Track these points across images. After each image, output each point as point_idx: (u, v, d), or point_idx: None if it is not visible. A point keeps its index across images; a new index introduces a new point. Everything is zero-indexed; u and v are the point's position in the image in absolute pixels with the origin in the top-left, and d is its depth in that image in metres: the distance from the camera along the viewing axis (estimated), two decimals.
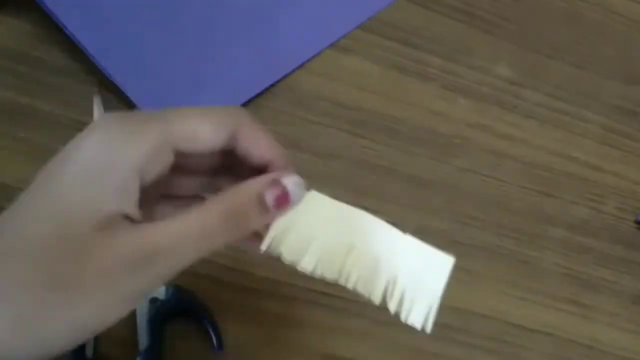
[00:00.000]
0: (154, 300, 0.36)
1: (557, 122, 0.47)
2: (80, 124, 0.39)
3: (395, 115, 0.44)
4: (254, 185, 0.27)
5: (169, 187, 0.30)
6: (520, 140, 0.46)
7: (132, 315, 0.35)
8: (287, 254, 0.29)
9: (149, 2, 0.43)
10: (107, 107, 0.40)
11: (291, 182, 0.28)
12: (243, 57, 0.43)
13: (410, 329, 0.39)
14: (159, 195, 0.29)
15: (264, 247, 0.28)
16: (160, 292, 0.36)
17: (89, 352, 0.34)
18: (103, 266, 0.24)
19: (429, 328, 0.29)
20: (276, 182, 0.28)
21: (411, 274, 0.30)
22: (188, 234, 0.26)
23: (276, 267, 0.39)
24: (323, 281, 0.39)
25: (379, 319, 0.39)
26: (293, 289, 0.38)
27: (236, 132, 0.28)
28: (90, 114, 0.40)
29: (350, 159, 0.42)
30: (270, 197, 0.27)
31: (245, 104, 0.42)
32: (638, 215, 0.45)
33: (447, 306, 0.40)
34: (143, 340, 0.35)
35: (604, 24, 0.50)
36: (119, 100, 0.40)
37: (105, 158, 0.25)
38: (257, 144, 0.28)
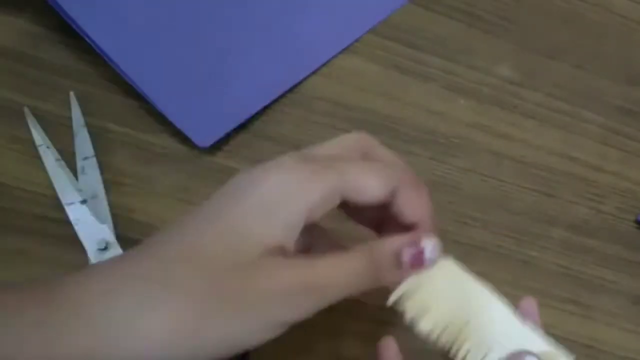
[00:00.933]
0: None
1: (557, 122, 0.47)
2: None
3: (395, 115, 0.44)
4: (396, 241, 0.30)
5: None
6: (520, 140, 0.46)
7: None
8: (411, 311, 0.31)
9: (168, 7, 0.43)
10: (128, 111, 0.40)
11: (429, 245, 0.30)
12: (260, 64, 0.43)
13: (410, 329, 0.39)
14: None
15: (391, 300, 0.30)
16: None
17: None
18: (264, 291, 0.26)
19: None
20: (415, 243, 0.30)
21: None
22: (343, 273, 0.28)
23: None
24: None
25: (383, 319, 0.39)
26: None
27: (397, 189, 0.30)
28: (90, 114, 0.40)
29: None
30: (407, 256, 0.29)
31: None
32: (638, 215, 0.45)
33: None
34: None
35: (604, 24, 0.50)
36: (140, 102, 0.40)
37: (282, 196, 0.27)
38: (412, 204, 0.31)
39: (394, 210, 0.31)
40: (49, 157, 0.38)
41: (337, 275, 0.28)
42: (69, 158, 0.38)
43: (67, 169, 0.38)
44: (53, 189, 0.37)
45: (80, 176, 0.38)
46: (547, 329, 0.41)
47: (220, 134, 0.41)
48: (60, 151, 0.38)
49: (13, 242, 0.36)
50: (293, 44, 0.44)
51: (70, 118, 0.39)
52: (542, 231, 0.44)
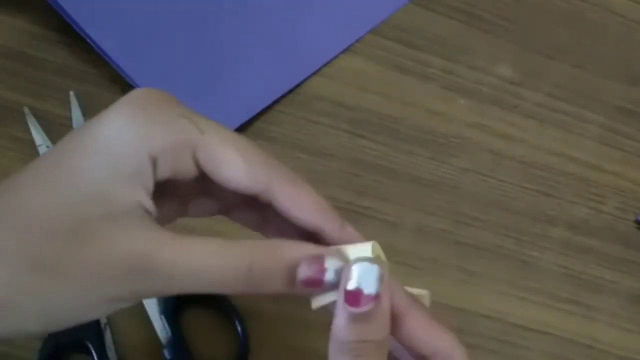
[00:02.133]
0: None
1: (557, 122, 0.47)
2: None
3: (395, 115, 0.44)
4: (292, 252, 0.24)
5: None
6: (520, 140, 0.46)
7: (146, 315, 0.35)
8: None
9: (168, 7, 0.43)
10: None
11: (332, 267, 0.24)
12: (261, 65, 0.43)
13: None
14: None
15: (314, 306, 0.25)
16: None
17: (112, 357, 0.34)
18: (92, 261, 0.22)
19: None
20: (317, 261, 0.24)
21: None
22: (204, 269, 0.23)
23: None
24: None
25: None
26: None
27: (272, 184, 0.25)
28: (90, 114, 0.40)
29: (350, 159, 0.42)
30: (302, 274, 0.24)
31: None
32: (638, 215, 0.45)
33: (447, 306, 0.40)
34: (163, 333, 0.35)
35: (604, 24, 0.50)
36: None
37: (121, 142, 0.23)
38: (298, 201, 0.25)
39: (278, 210, 0.25)
40: None
41: (199, 267, 0.23)
42: None
43: None
44: None
45: None
46: (547, 329, 0.41)
47: None
48: None
49: None
50: (294, 45, 0.44)
51: (70, 118, 0.39)
52: (542, 231, 0.43)
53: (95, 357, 0.34)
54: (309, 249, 0.24)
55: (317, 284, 0.24)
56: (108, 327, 0.35)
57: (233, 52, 0.43)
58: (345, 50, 0.45)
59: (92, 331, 0.34)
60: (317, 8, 0.45)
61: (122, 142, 0.23)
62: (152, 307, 0.35)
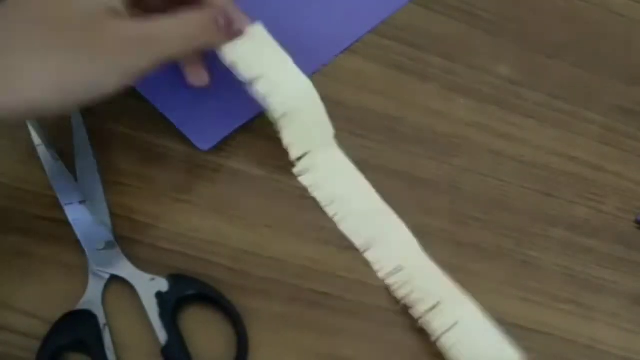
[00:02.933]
0: (159, 295, 0.35)
1: (557, 122, 0.47)
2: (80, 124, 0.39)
3: (395, 115, 0.44)
4: (212, 11, 0.36)
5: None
6: (520, 140, 0.46)
7: (145, 316, 0.35)
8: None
9: None
10: (128, 111, 0.40)
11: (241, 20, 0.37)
12: None
13: (410, 329, 0.39)
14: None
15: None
16: (163, 285, 0.36)
17: (111, 358, 0.34)
18: (112, 41, 0.31)
19: None
20: (225, 13, 0.36)
21: None
22: (176, 29, 0.34)
23: (276, 268, 0.39)
24: (323, 281, 0.39)
25: (379, 319, 0.39)
26: (293, 289, 0.38)
27: None
28: (90, 114, 0.40)
29: (350, 159, 0.42)
30: (221, 20, 0.36)
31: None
32: (638, 215, 0.45)
33: None
34: (161, 336, 0.35)
35: (604, 24, 0.50)
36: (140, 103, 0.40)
37: None
38: None
39: None
40: (48, 157, 0.38)
41: (173, 29, 0.34)
42: (68, 158, 0.38)
43: (66, 169, 0.38)
44: (52, 189, 0.37)
45: (79, 176, 0.38)
46: (547, 330, 0.41)
47: (221, 136, 0.41)
48: (59, 151, 0.38)
49: (12, 242, 0.36)
50: (294, 45, 0.44)
51: (69, 118, 0.39)
52: (542, 231, 0.43)
53: (95, 358, 0.34)
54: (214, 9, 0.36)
55: (229, 27, 0.36)
56: (107, 328, 0.35)
57: None
58: (345, 50, 0.45)
59: (91, 331, 0.34)
60: (317, 8, 0.45)
61: None
62: (151, 307, 0.35)
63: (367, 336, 0.39)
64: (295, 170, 0.40)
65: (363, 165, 0.42)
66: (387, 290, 0.40)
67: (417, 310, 0.38)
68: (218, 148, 0.41)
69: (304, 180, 0.40)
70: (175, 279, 0.36)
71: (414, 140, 0.44)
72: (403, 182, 0.42)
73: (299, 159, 0.40)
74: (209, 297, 0.36)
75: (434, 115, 0.45)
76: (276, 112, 0.38)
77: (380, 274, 0.39)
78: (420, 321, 0.38)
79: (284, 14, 0.45)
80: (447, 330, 0.36)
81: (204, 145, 0.41)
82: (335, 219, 0.40)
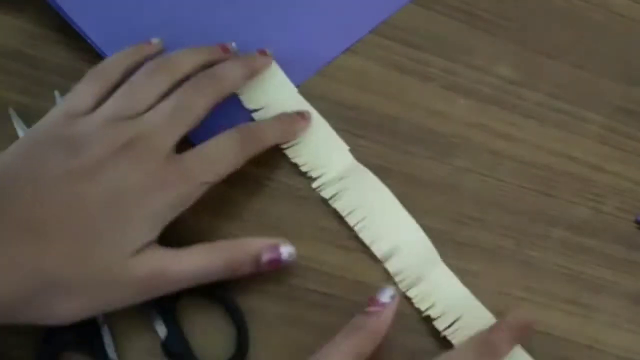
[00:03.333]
0: None
1: (557, 122, 0.47)
2: None
3: (395, 115, 0.44)
4: (255, 244, 0.35)
5: None
6: (520, 140, 0.46)
7: (143, 313, 0.35)
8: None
9: (168, 10, 0.43)
10: None
11: (286, 251, 0.36)
12: None
13: (410, 329, 0.39)
14: None
15: None
16: None
17: (112, 355, 0.34)
18: (125, 278, 0.32)
19: None
20: (274, 248, 0.35)
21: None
22: (198, 270, 0.34)
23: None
24: (323, 281, 0.39)
25: None
26: (293, 289, 0.38)
27: None
28: None
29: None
30: (265, 258, 0.35)
31: None
32: (638, 215, 0.45)
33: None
34: (161, 330, 0.35)
35: (604, 24, 0.50)
36: None
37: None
38: None
39: None
40: None
41: (189, 269, 0.33)
42: None
43: None
44: None
45: None
46: (547, 330, 0.41)
47: None
48: None
49: None
50: (294, 46, 0.44)
51: None
52: (542, 231, 0.43)
53: (95, 355, 0.34)
54: (269, 240, 0.36)
55: (277, 263, 0.36)
56: (106, 325, 0.35)
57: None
58: (345, 50, 0.45)
59: (90, 330, 0.34)
60: (318, 9, 0.45)
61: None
62: (149, 301, 0.35)
63: None
64: (314, 184, 0.41)
65: (362, 165, 0.42)
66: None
67: (440, 324, 0.38)
68: None
69: (325, 194, 0.40)
70: None
71: (414, 140, 0.44)
72: (403, 182, 0.42)
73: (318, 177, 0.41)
74: (208, 291, 0.36)
75: (434, 115, 0.45)
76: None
77: (401, 286, 0.39)
78: (443, 334, 0.38)
79: (285, 15, 0.45)
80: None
81: None
82: (356, 228, 0.40)
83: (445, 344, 0.38)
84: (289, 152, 0.41)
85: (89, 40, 0.40)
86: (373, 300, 0.35)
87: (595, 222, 0.45)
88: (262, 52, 0.42)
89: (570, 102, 0.47)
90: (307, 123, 0.41)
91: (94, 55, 0.40)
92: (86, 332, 0.34)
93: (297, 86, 0.43)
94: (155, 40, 0.39)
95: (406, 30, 0.46)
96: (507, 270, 0.42)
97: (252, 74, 0.40)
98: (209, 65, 0.38)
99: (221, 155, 0.35)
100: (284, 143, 0.40)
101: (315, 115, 0.42)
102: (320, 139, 0.41)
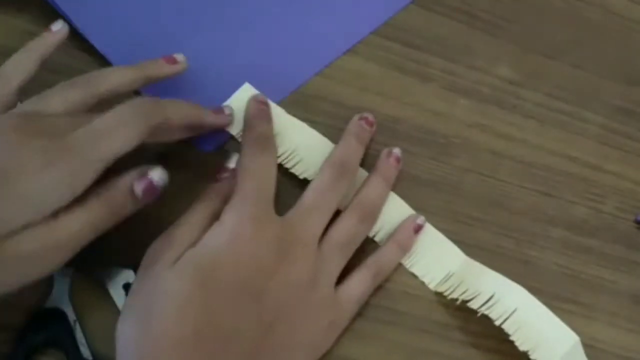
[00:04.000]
0: (127, 286, 0.35)
1: (557, 122, 0.47)
2: None
3: (395, 115, 0.44)
4: (125, 179, 0.33)
5: None
6: (520, 140, 0.46)
7: (116, 309, 0.35)
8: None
9: (169, 10, 0.43)
10: None
11: (156, 175, 0.34)
12: (263, 67, 0.43)
13: (410, 329, 0.39)
14: None
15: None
16: (130, 276, 0.36)
17: (85, 354, 0.34)
18: (13, 259, 0.30)
19: None
20: (143, 177, 0.33)
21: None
22: (80, 228, 0.31)
23: None
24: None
25: (380, 318, 0.39)
26: None
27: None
28: None
29: None
30: (139, 189, 0.33)
31: None
32: (638, 215, 0.45)
33: (447, 305, 0.40)
34: None
35: (604, 24, 0.50)
36: None
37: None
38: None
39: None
40: None
41: (77, 228, 0.31)
42: None
43: None
44: None
45: None
46: None
47: (224, 138, 0.41)
48: None
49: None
50: (296, 47, 0.44)
51: None
52: (542, 231, 0.44)
53: (69, 355, 0.34)
54: (136, 170, 0.33)
55: (153, 191, 0.34)
56: (78, 324, 0.34)
57: (235, 54, 0.43)
58: (346, 51, 0.45)
59: (62, 329, 0.34)
60: (319, 10, 0.45)
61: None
62: (120, 299, 0.35)
63: (368, 335, 0.39)
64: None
65: (363, 165, 0.42)
66: (386, 290, 0.40)
67: (476, 304, 0.38)
68: (219, 148, 0.41)
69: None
70: None
71: (414, 140, 0.44)
72: (403, 182, 0.42)
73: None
74: None
75: (434, 115, 0.45)
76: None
77: (431, 285, 0.40)
78: (480, 311, 0.38)
79: (286, 16, 0.45)
80: (508, 317, 0.37)
81: (207, 146, 0.41)
82: (376, 238, 0.40)
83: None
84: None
85: (89, 41, 0.40)
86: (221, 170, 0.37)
87: (595, 222, 0.45)
88: (170, 60, 0.39)
89: (569, 102, 0.47)
90: (176, 67, 0.39)
91: (94, 56, 0.40)
92: (58, 333, 0.34)
93: (298, 87, 0.43)
94: (57, 26, 0.38)
95: (406, 31, 0.46)
96: (507, 270, 0.42)
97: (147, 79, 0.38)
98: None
99: (113, 128, 0.32)
100: (189, 116, 0.37)
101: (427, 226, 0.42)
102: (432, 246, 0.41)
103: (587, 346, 0.41)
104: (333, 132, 0.43)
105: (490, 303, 0.38)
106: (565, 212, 0.44)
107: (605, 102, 0.48)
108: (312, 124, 0.42)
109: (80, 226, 0.31)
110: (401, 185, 0.42)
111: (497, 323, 0.37)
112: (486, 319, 0.38)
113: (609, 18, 0.50)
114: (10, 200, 0.30)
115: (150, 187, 0.33)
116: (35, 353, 0.34)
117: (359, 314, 0.39)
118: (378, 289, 0.40)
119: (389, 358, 0.39)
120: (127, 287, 0.35)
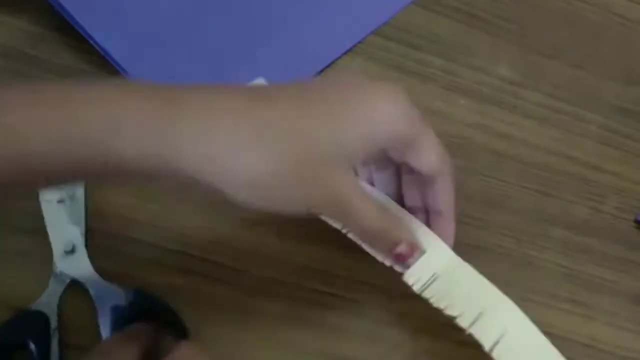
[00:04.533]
0: (115, 308, 0.34)
1: (557, 122, 0.47)
2: None
3: None
4: (403, 233, 0.34)
5: None
6: (520, 140, 0.46)
7: (97, 328, 0.35)
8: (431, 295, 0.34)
9: (170, 8, 0.43)
10: None
11: (416, 257, 0.34)
12: (264, 67, 0.43)
13: (410, 329, 0.39)
14: None
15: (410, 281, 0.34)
16: (121, 299, 0.35)
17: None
18: (322, 186, 0.30)
19: None
20: (414, 247, 0.34)
21: None
22: (364, 219, 0.32)
23: (276, 267, 0.39)
24: (323, 281, 0.39)
25: (380, 319, 0.39)
26: (293, 289, 0.38)
27: (439, 175, 0.35)
28: None
29: None
30: (399, 250, 0.33)
31: None
32: (638, 215, 0.45)
33: None
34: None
35: (604, 24, 0.50)
36: None
37: (381, 128, 0.32)
38: (445, 194, 0.36)
39: (427, 191, 0.35)
40: None
41: (361, 216, 0.32)
42: None
43: None
44: None
45: None
46: (547, 329, 0.41)
47: None
48: None
49: (13, 242, 0.36)
50: (297, 47, 0.44)
51: None
52: (542, 231, 0.44)
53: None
54: (412, 237, 0.34)
55: (403, 260, 0.34)
56: (57, 333, 0.34)
57: (236, 55, 0.43)
58: (346, 51, 0.45)
59: (39, 334, 0.33)
60: (319, 10, 0.45)
61: (380, 125, 0.31)
62: (104, 320, 0.34)
63: (367, 336, 0.39)
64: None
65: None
66: (386, 289, 0.40)
67: (462, 322, 0.35)
68: None
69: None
70: (136, 294, 0.34)
71: None
72: None
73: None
74: (166, 320, 0.35)
75: (434, 115, 0.45)
76: None
77: (416, 287, 0.35)
78: (467, 332, 0.35)
79: (286, 16, 0.45)
80: (497, 343, 0.34)
81: None
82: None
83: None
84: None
85: (90, 41, 0.40)
86: None
87: (595, 222, 0.45)
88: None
89: (569, 102, 0.47)
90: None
91: (94, 55, 0.40)
92: (34, 338, 0.33)
93: None
94: None
95: (406, 31, 0.46)
96: (507, 270, 0.42)
97: None
98: None
99: None
100: None
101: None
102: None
103: (587, 346, 0.41)
104: None
105: (477, 323, 0.35)
106: (565, 212, 0.44)
107: (605, 102, 0.48)
108: None
109: (362, 215, 0.32)
110: None
111: (485, 349, 0.34)
112: None
113: (609, 18, 0.50)
114: None
115: (403, 257, 0.34)
116: (7, 353, 0.33)
117: (358, 313, 0.39)
118: (378, 289, 0.40)
119: (389, 358, 0.39)
120: (115, 309, 0.34)
